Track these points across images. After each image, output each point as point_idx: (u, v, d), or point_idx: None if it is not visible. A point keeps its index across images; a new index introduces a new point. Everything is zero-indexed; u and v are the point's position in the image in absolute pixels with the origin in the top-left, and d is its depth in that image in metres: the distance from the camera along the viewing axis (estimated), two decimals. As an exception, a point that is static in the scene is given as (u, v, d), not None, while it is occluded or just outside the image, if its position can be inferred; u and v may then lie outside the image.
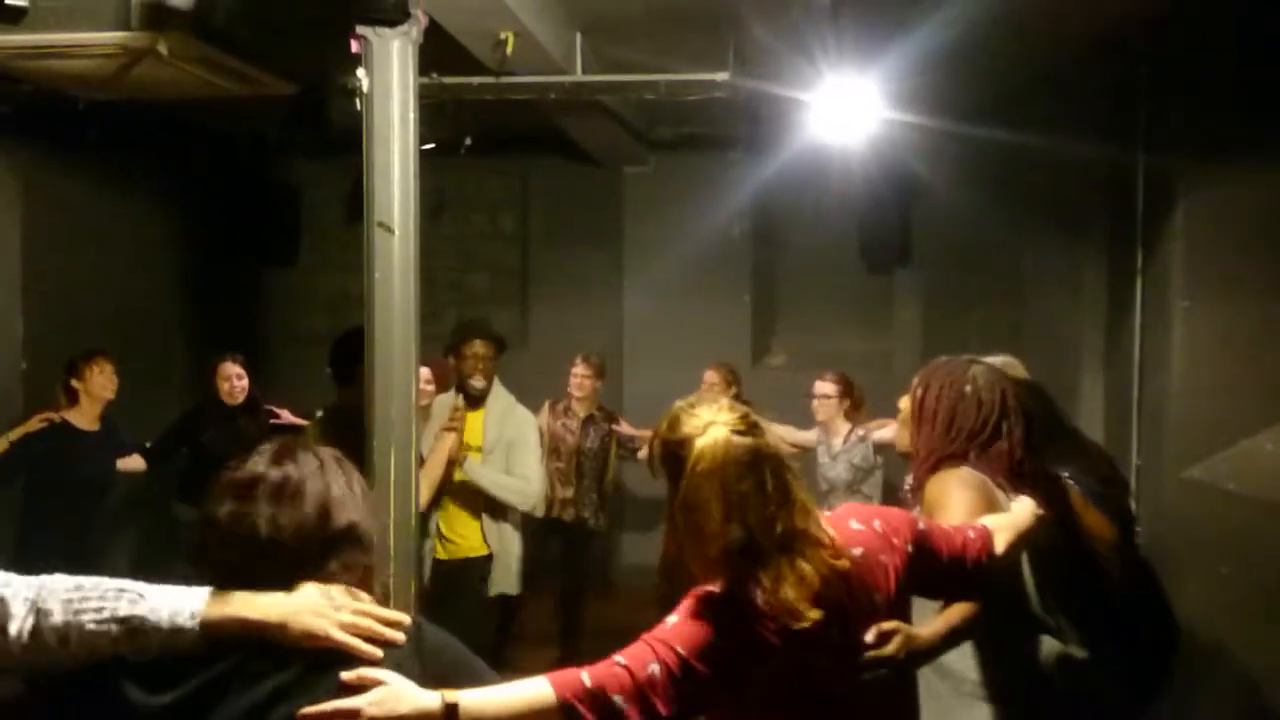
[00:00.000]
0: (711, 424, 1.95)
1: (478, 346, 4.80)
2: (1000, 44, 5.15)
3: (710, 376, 6.15)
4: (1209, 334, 4.57)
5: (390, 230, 3.53)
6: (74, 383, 5.16)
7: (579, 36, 5.20)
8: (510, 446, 4.82)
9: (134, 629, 1.57)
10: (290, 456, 1.74)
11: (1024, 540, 2.36)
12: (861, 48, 4.99)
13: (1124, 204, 5.36)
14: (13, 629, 1.56)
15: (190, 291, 7.72)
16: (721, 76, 5.14)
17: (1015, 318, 6.91)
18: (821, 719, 1.99)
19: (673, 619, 1.88)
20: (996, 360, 3.10)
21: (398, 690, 1.58)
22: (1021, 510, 2.43)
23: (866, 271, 7.73)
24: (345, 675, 1.57)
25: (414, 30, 3.58)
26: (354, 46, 3.58)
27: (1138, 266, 5.26)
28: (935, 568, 2.14)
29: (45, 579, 1.61)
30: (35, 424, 5.07)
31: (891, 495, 5.73)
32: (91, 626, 1.56)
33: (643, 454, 6.47)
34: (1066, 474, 3.04)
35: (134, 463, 5.45)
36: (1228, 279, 4.51)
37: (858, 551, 2.02)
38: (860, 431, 5.70)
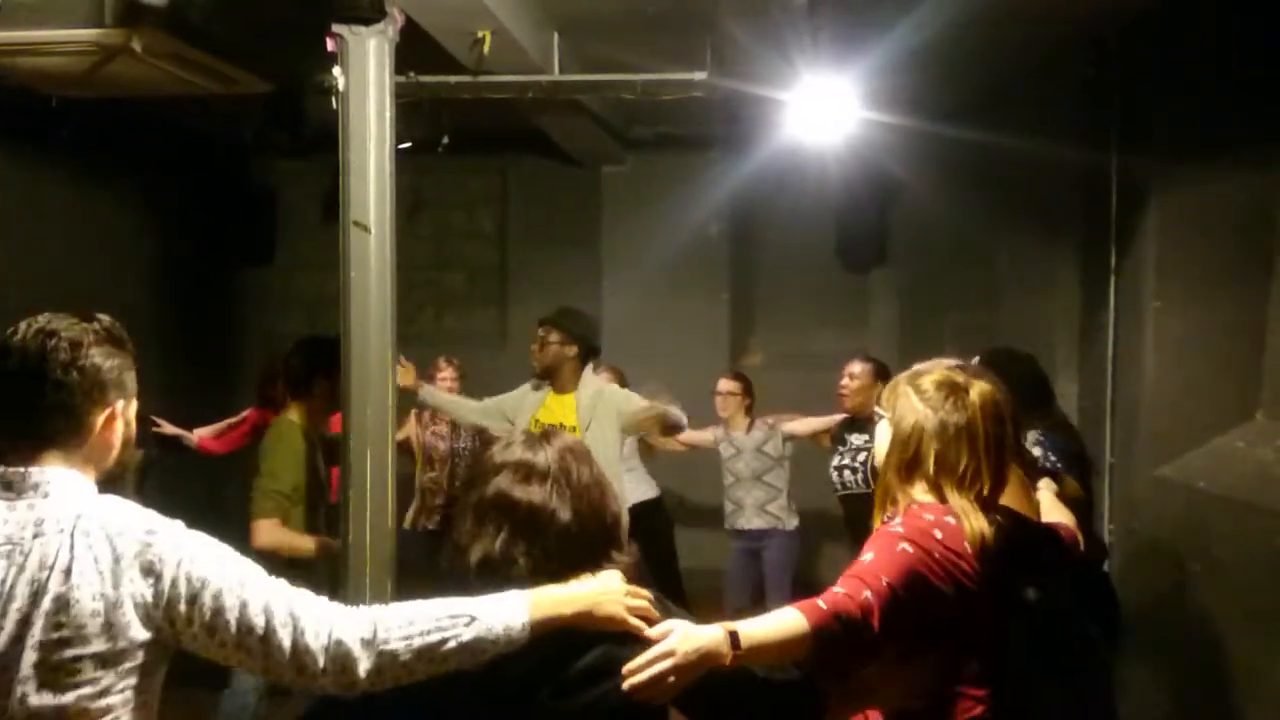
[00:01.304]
0: (977, 379, 2.22)
1: (546, 332, 4.99)
2: (975, 44, 5.18)
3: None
4: (1181, 334, 4.61)
5: (366, 229, 3.52)
6: None
7: (556, 35, 5.20)
8: (608, 417, 4.86)
9: (475, 650, 1.66)
10: (560, 442, 1.88)
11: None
12: (838, 48, 5.01)
13: (1098, 204, 5.40)
14: (360, 670, 1.63)
15: (165, 291, 7.66)
16: (699, 76, 5.15)
17: (990, 317, 6.95)
18: (970, 650, 2.15)
19: (868, 556, 2.07)
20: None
21: (688, 630, 1.76)
22: (1049, 496, 2.65)
23: (843, 270, 7.77)
24: (650, 632, 1.74)
25: (390, 29, 3.59)
26: (330, 45, 3.58)
27: (1111, 266, 5.29)
28: None
29: (373, 614, 1.68)
30: None
31: (807, 487, 5.81)
32: (438, 657, 1.66)
33: None
34: (1039, 433, 3.19)
35: None
36: (1200, 279, 4.55)
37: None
38: (770, 420, 5.82)
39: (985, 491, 2.15)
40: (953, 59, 5.37)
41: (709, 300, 7.87)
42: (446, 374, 6.13)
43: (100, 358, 1.71)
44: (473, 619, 1.66)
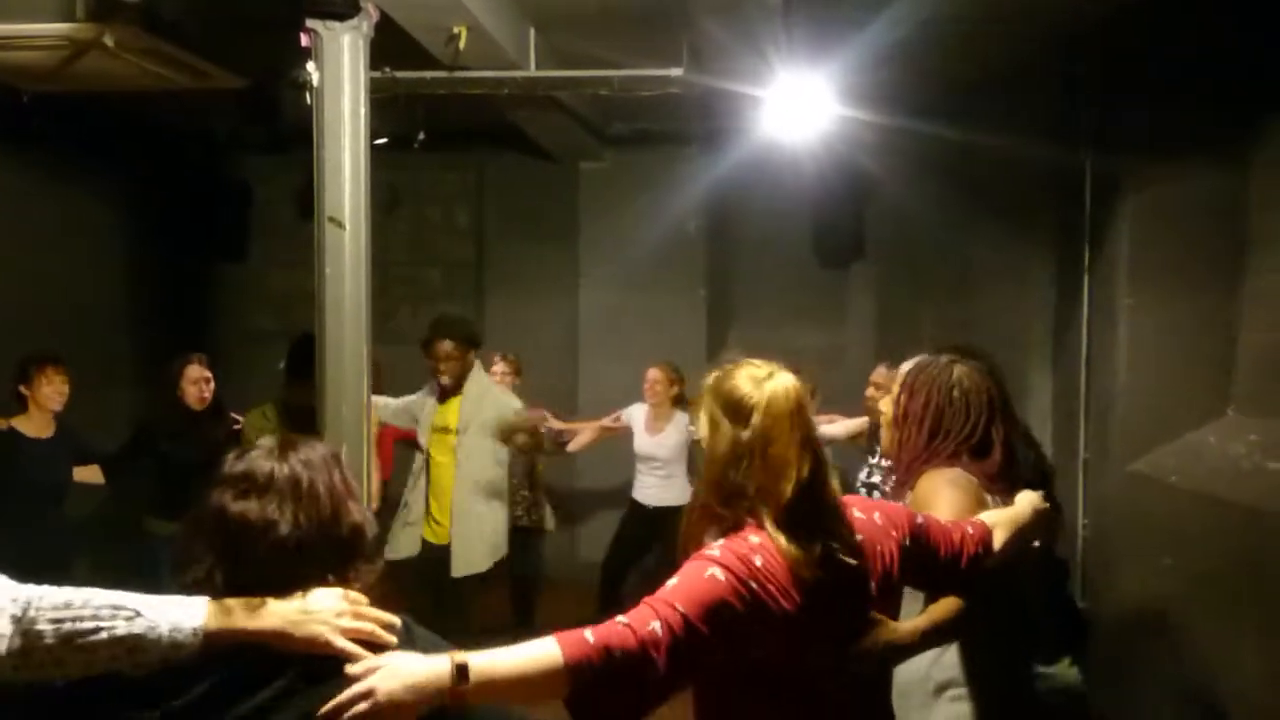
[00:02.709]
0: (775, 372, 2.07)
1: (443, 347, 5.01)
2: (950, 42, 5.21)
3: (654, 374, 6.15)
4: (1154, 330, 4.65)
5: (341, 225, 3.51)
6: (22, 389, 5.02)
7: (533, 31, 5.19)
8: (485, 425, 4.97)
9: (132, 648, 1.53)
10: (297, 452, 1.74)
11: (1021, 536, 2.35)
12: (814, 44, 5.03)
13: (1072, 201, 5.43)
14: (0, 648, 1.51)
15: (139, 288, 7.61)
16: (675, 72, 5.15)
17: (966, 312, 6.98)
18: (802, 711, 1.98)
19: (673, 581, 1.86)
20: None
21: (403, 663, 1.59)
22: (1023, 505, 2.42)
23: (820, 266, 7.79)
24: (352, 669, 1.56)
25: (365, 24, 3.57)
26: (304, 40, 3.56)
27: (1085, 263, 5.33)
28: (930, 562, 2.15)
29: (31, 592, 1.55)
30: None
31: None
32: (87, 648, 1.52)
33: (572, 446, 6.47)
34: None
35: (92, 474, 5.21)
36: (1172, 276, 4.59)
37: (859, 538, 2.03)
38: None
39: (805, 498, 1.95)
40: (928, 56, 5.39)
41: (686, 296, 7.87)
42: (499, 368, 6.14)
43: None
44: (136, 614, 1.54)
